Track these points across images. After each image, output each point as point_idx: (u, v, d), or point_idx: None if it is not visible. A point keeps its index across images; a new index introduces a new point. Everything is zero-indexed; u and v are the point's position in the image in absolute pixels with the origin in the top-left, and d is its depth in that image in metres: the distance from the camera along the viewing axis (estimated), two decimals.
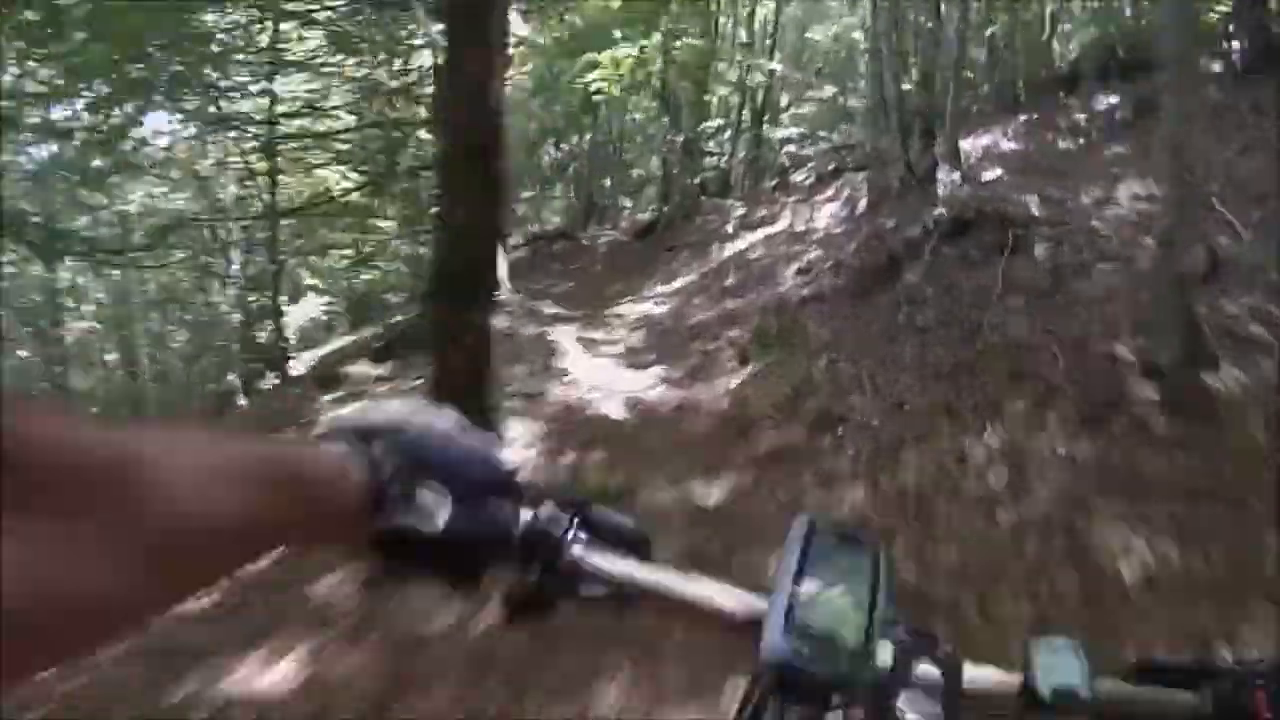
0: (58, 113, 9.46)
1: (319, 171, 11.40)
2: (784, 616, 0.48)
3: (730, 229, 9.71)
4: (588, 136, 14.69)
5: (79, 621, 0.31)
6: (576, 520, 0.53)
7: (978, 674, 0.54)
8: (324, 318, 14.54)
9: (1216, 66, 6.83)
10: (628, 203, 16.04)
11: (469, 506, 0.48)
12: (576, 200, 15.64)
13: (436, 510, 0.47)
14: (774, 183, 11.04)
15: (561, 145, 15.19)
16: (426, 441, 0.49)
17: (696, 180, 11.86)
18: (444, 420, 0.51)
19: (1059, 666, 0.54)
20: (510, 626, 0.54)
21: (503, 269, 6.68)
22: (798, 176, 10.55)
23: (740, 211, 10.23)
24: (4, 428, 0.28)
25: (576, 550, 0.52)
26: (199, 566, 0.36)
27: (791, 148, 11.75)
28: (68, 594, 0.29)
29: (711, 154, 13.12)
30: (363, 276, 13.98)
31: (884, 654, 0.50)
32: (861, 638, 0.49)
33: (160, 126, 11.83)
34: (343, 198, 11.10)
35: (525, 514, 0.52)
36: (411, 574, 0.49)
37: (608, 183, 15.73)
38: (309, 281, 14.46)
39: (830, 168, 9.91)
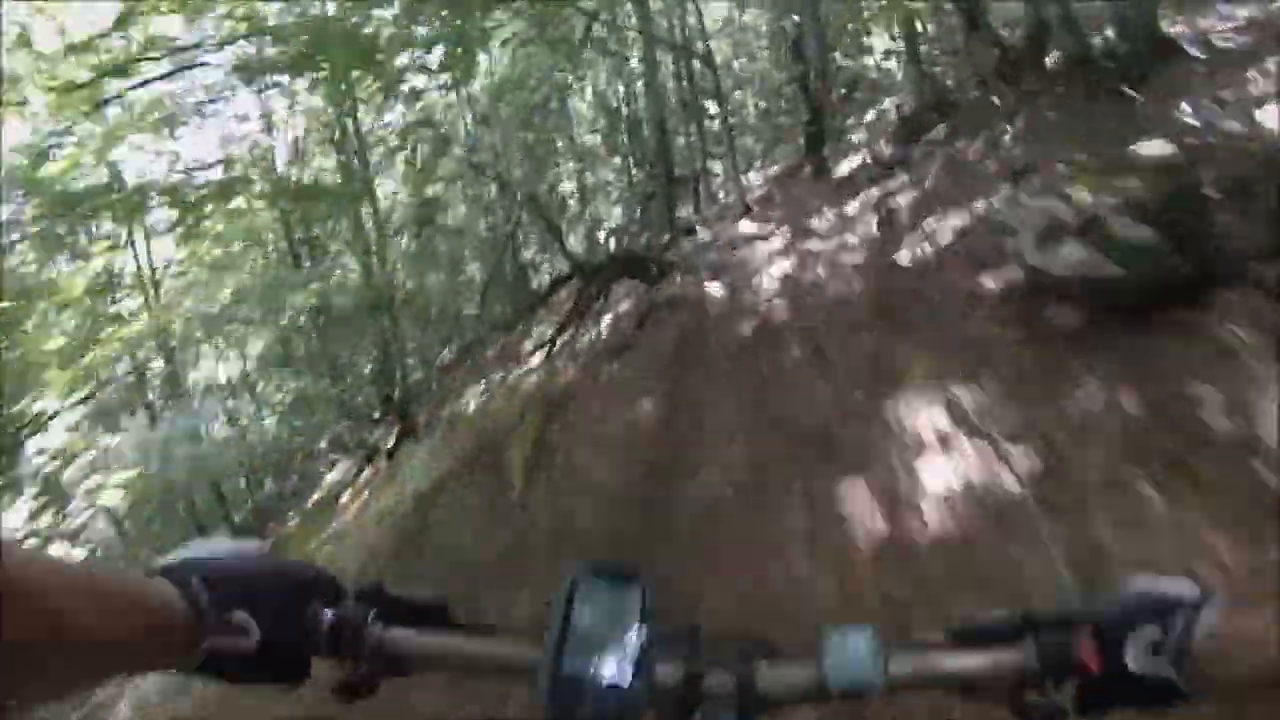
0: None
1: None
2: (553, 665, 0.52)
3: None
4: None
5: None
6: (373, 608, 0.58)
7: (773, 674, 0.55)
8: None
9: None
10: None
11: (277, 619, 0.54)
12: None
13: (250, 627, 0.53)
14: None
15: None
16: (235, 569, 0.55)
17: None
18: (247, 549, 0.58)
19: (850, 657, 0.54)
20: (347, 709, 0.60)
21: None
22: None
23: None
24: None
25: (378, 634, 0.57)
26: (67, 671, 0.42)
27: None
28: None
29: None
30: None
31: (674, 674, 0.54)
32: (632, 672, 0.52)
33: None
34: None
35: (328, 613, 0.57)
36: (243, 682, 0.54)
37: None
38: None
39: None
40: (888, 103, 15.13)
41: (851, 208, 7.17)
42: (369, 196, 10.69)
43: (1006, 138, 6.12)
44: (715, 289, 6.11)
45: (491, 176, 11.81)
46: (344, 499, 8.92)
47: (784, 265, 6.15)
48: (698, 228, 10.43)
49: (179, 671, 0.52)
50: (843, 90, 16.46)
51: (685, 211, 13.98)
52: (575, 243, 14.50)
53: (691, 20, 14.12)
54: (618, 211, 16.30)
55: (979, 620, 0.58)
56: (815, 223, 7.26)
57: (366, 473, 9.14)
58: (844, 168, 12.04)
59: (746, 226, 8.73)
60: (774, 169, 16.32)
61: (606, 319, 7.16)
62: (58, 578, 0.41)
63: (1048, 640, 0.54)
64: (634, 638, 0.53)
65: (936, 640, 0.58)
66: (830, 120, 14.14)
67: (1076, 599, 0.60)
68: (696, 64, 13.78)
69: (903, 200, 6.08)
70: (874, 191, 7.16)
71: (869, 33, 15.20)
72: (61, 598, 0.40)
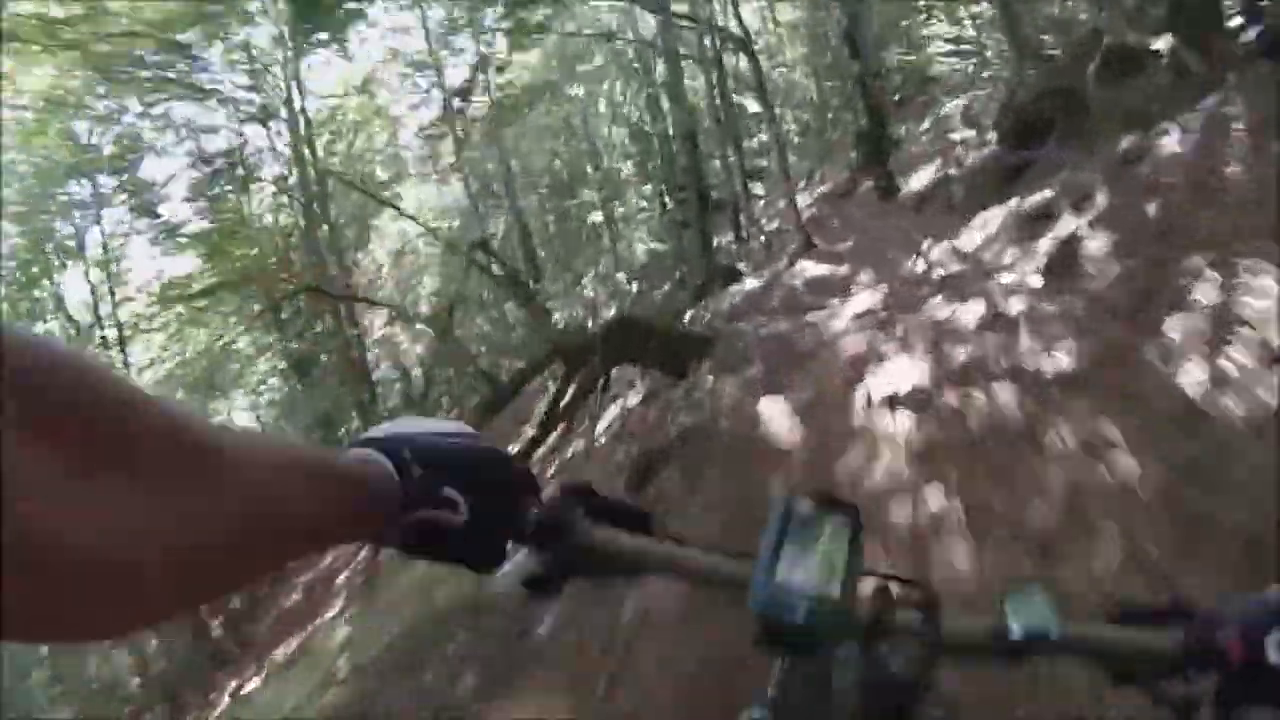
0: None
1: None
2: (766, 574, 0.53)
3: None
4: None
5: (178, 576, 0.33)
6: (580, 507, 0.58)
7: (956, 620, 0.57)
8: None
9: None
10: None
11: (485, 500, 0.54)
12: None
13: (459, 504, 0.52)
14: None
15: None
16: (445, 446, 0.55)
17: None
18: (459, 429, 0.58)
19: (1031, 612, 0.56)
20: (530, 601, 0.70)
21: None
22: None
23: None
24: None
25: (582, 533, 0.57)
26: (275, 545, 0.42)
27: None
28: (169, 549, 0.32)
29: None
30: None
31: (866, 604, 0.55)
32: (839, 590, 0.53)
33: None
34: None
35: (535, 505, 0.57)
36: (440, 560, 0.54)
37: None
38: None
39: None
40: (950, 106, 12.87)
41: (970, 240, 4.91)
42: None
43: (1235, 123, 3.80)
44: (776, 412, 3.36)
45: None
46: None
47: (902, 363, 3.38)
48: (742, 269, 8.26)
49: (384, 544, 0.53)
50: (896, 94, 14.28)
51: (725, 240, 12.00)
52: (595, 289, 12.46)
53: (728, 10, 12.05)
54: (640, 250, 14.07)
55: (1143, 603, 0.60)
56: (919, 266, 5.01)
57: None
58: (915, 182, 9.82)
59: (811, 269, 6.50)
60: (822, 187, 14.15)
61: (601, 428, 4.80)
62: (265, 454, 0.42)
63: (1197, 628, 0.56)
64: (841, 559, 0.55)
65: (1105, 611, 0.60)
66: (892, 126, 12.05)
67: (1231, 598, 0.56)
68: (735, 60, 11.82)
69: (1075, 229, 3.77)
70: (997, 216, 4.88)
71: (930, 19, 12.92)
72: (273, 472, 0.41)
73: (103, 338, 11.85)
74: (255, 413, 15.02)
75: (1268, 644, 0.52)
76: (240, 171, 13.19)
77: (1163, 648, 0.56)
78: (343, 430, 12.16)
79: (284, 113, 12.25)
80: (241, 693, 6.76)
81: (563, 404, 4.98)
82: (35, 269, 12.50)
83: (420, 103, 15.71)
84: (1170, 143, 4.01)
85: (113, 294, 12.50)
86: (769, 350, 4.17)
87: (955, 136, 10.41)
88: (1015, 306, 3.35)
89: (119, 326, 11.97)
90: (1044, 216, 4.29)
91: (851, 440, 2.94)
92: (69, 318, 12.81)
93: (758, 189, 13.78)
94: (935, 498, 2.36)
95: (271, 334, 12.84)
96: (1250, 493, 1.78)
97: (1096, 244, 3.44)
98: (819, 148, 15.69)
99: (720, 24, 11.52)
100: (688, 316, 6.58)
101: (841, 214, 10.61)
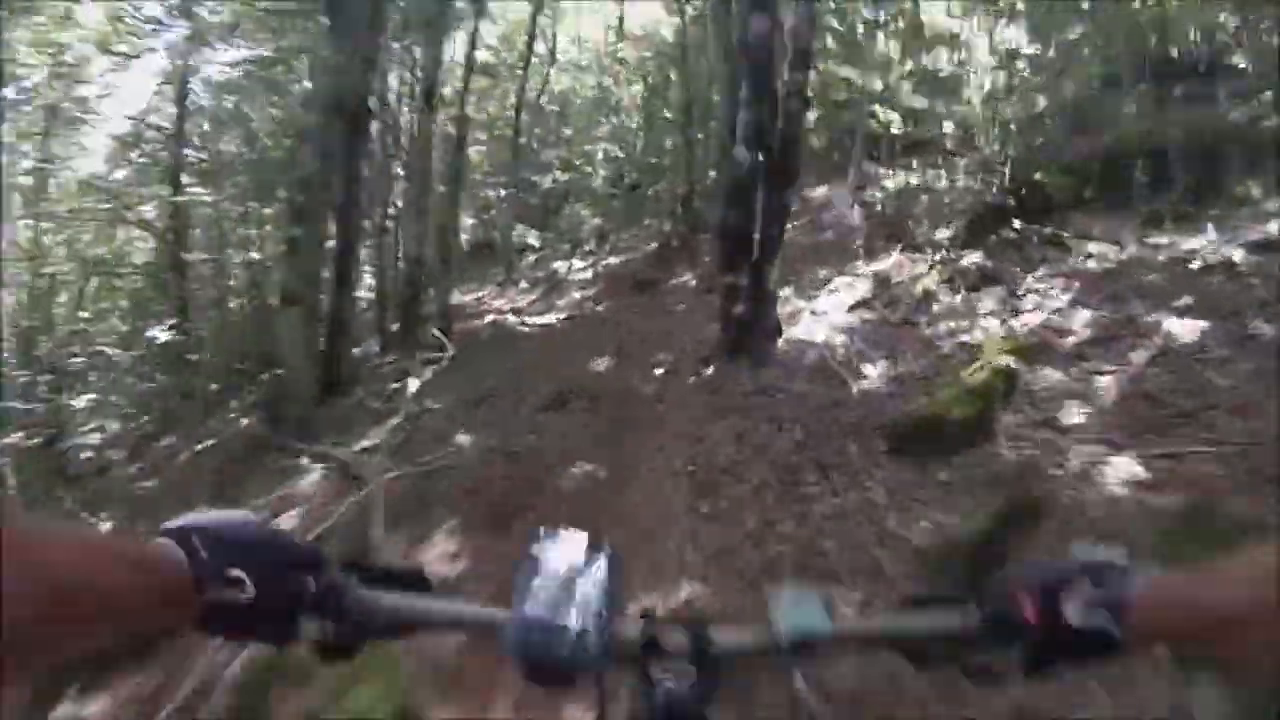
0: None
1: None
2: (519, 614, 0.57)
3: None
4: None
5: None
6: (355, 576, 0.62)
7: (726, 633, 0.60)
8: None
9: None
10: None
11: (268, 577, 0.57)
12: None
13: (246, 583, 0.55)
14: None
15: None
16: (231, 532, 0.57)
17: None
18: (243, 517, 0.60)
19: (800, 614, 0.58)
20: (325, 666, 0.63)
21: None
22: None
23: None
24: None
25: (358, 601, 0.61)
26: (83, 623, 0.44)
27: None
28: None
29: None
30: None
31: (634, 632, 0.59)
32: (593, 624, 0.56)
33: None
34: None
35: (314, 577, 0.59)
36: (236, 638, 0.57)
37: None
38: None
39: None
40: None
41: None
42: None
43: None
44: None
45: None
46: None
47: None
48: None
49: (180, 630, 0.55)
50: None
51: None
52: None
53: None
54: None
55: (935, 592, 0.63)
56: None
57: None
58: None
59: None
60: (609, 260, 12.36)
61: None
62: (67, 538, 0.45)
63: (990, 600, 0.57)
64: (595, 595, 0.56)
65: (899, 604, 0.63)
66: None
67: (1019, 567, 0.57)
68: None
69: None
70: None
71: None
72: (72, 555, 0.43)
73: None
74: None
75: (1064, 604, 0.54)
76: None
77: (957, 624, 0.58)
78: None
79: None
80: None
81: None
82: None
83: None
84: None
85: None
86: None
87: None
88: None
89: None
90: None
91: None
92: None
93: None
94: None
95: None
96: None
97: None
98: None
99: None
100: None
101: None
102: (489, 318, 10.35)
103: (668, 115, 13.24)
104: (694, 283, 9.33)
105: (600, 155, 14.83)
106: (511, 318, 10.12)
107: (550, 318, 9.74)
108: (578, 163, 15.61)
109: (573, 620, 0.55)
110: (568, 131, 16.51)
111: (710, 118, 11.76)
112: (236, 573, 0.55)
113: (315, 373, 7.19)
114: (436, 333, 8.45)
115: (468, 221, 16.09)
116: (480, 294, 12.68)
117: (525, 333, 9.13)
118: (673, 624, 0.57)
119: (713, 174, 11.03)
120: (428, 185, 9.86)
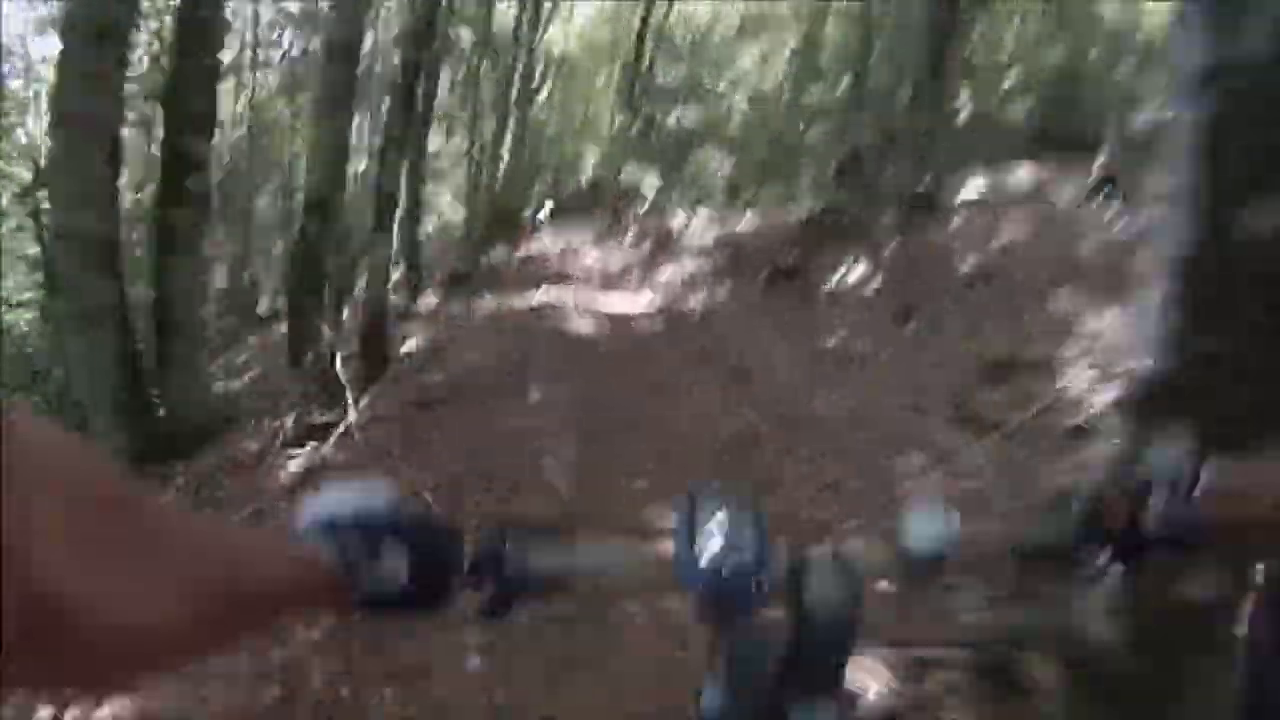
0: None
1: None
2: (687, 555, 0.61)
3: None
4: None
5: (176, 637, 0.37)
6: (506, 540, 0.63)
7: (865, 551, 0.64)
8: None
9: None
10: None
11: (425, 556, 0.57)
12: None
13: (397, 569, 0.56)
14: None
15: None
16: (373, 516, 0.57)
17: None
18: (374, 489, 0.60)
19: (928, 531, 0.62)
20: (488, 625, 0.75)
21: None
22: None
23: None
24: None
25: (514, 561, 0.62)
26: (239, 619, 0.44)
27: None
28: (167, 613, 0.35)
29: None
30: None
31: (784, 556, 0.62)
32: (755, 557, 0.60)
33: None
34: None
35: (466, 547, 0.62)
36: (397, 618, 0.58)
37: None
38: None
39: None
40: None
41: None
42: None
43: None
44: None
45: None
46: None
47: None
48: None
49: (343, 612, 0.56)
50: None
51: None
52: None
53: None
54: None
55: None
56: None
57: None
58: None
59: None
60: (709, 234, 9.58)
61: None
62: (233, 532, 0.51)
63: (1082, 508, 0.63)
64: (750, 535, 0.61)
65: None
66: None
67: (1110, 477, 0.67)
68: None
69: None
70: None
71: None
72: (237, 553, 0.43)
73: None
74: None
75: (1149, 505, 0.59)
76: None
77: (1057, 530, 0.63)
78: None
79: None
80: None
81: None
82: None
83: None
84: None
85: None
86: None
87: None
88: None
89: None
90: None
91: None
92: None
93: None
94: None
95: None
96: None
97: None
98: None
99: None
100: None
101: None
102: (538, 296, 7.12)
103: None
104: (875, 285, 5.51)
105: (738, 94, 12.02)
106: (570, 302, 6.80)
107: (630, 304, 6.66)
108: (717, 90, 12.07)
109: (740, 558, 0.59)
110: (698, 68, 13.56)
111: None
112: (391, 559, 0.55)
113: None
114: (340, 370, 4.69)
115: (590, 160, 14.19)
116: (572, 243, 10.53)
117: (575, 335, 5.80)
118: (817, 550, 0.61)
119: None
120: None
